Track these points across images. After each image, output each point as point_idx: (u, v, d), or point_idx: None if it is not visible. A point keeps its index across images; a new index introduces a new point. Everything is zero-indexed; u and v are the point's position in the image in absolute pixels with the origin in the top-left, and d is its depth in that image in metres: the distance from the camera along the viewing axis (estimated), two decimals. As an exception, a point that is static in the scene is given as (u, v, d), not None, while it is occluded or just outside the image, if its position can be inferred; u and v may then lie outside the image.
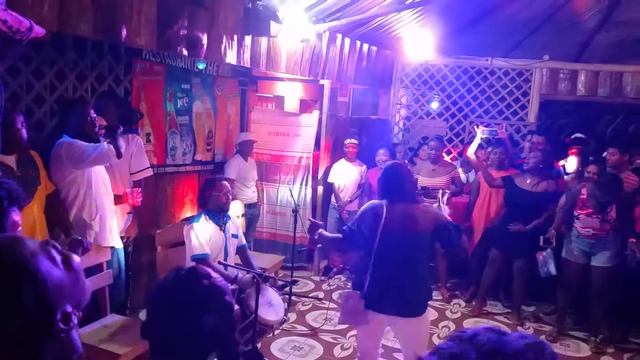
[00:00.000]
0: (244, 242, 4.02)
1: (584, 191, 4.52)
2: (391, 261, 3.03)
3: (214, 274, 1.46)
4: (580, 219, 4.52)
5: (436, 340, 4.55)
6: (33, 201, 3.06)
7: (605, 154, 5.18)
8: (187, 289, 1.40)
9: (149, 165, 4.24)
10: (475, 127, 5.75)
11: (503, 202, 5.17)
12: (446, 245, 3.80)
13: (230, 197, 3.87)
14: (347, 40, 5.75)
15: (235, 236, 3.89)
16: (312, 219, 3.99)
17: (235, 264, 3.76)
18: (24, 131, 2.98)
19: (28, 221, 3.04)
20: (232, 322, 1.45)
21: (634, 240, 4.36)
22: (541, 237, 4.69)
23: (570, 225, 4.62)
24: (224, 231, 3.75)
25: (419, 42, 6.02)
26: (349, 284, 5.79)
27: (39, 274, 0.89)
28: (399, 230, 3.04)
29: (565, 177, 4.95)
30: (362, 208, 3.31)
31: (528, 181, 4.87)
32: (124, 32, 3.21)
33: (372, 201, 3.27)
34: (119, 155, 3.45)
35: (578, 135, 6.87)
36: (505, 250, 5.00)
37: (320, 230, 3.37)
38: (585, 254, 4.53)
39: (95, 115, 3.49)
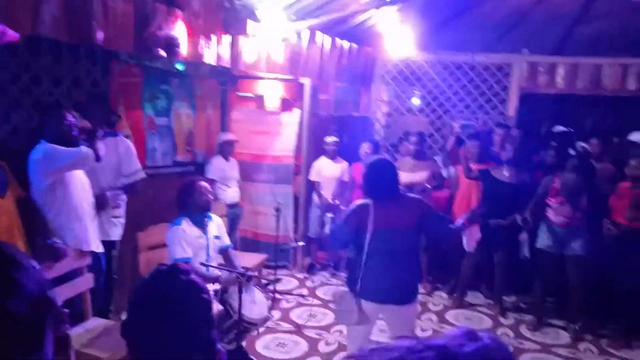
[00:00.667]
0: (227, 242, 4.01)
1: (557, 180, 4.60)
2: (383, 256, 3.10)
3: (193, 273, 1.46)
4: (553, 207, 4.61)
5: (419, 333, 4.61)
6: (4, 206, 3.04)
7: (586, 145, 5.27)
8: (164, 284, 1.39)
9: (140, 167, 4.22)
10: (453, 122, 5.79)
11: (483, 195, 5.21)
12: (433, 234, 3.85)
13: (212, 197, 3.86)
14: (327, 38, 5.76)
15: (217, 237, 3.88)
16: (331, 201, 3.87)
17: (218, 264, 3.76)
18: None
19: (2, 226, 3.02)
20: (210, 320, 1.45)
21: (608, 220, 4.46)
22: (518, 217, 4.73)
23: (543, 214, 4.69)
24: (205, 233, 3.75)
25: (400, 38, 6.06)
26: (333, 280, 5.88)
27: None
28: (388, 226, 3.10)
29: None
30: (349, 207, 3.35)
31: (506, 173, 4.92)
32: (100, 35, 3.20)
33: (358, 200, 3.31)
34: (97, 159, 3.44)
35: (559, 127, 6.96)
36: (484, 243, 5.05)
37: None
38: (558, 243, 4.62)
39: (72, 119, 3.46)
